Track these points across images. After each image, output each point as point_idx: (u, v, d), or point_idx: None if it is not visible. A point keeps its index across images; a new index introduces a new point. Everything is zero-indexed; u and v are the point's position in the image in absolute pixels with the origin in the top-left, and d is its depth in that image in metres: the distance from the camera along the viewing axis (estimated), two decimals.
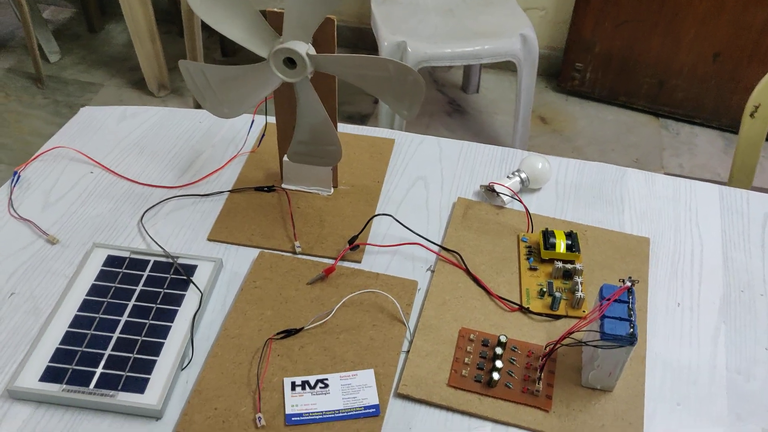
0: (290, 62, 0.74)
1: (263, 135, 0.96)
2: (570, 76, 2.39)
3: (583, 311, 0.77)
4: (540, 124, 2.33)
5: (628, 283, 0.68)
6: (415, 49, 1.81)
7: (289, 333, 0.73)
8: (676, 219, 0.89)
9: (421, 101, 0.75)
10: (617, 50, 2.27)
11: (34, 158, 0.93)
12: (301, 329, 0.74)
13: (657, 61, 2.25)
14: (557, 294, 0.76)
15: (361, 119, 2.30)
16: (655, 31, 2.19)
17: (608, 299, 0.67)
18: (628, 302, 0.67)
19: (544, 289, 0.78)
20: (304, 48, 0.73)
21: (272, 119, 0.97)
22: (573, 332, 0.68)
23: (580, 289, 0.77)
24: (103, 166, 0.93)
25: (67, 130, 0.98)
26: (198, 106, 2.24)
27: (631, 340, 0.64)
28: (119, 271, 0.79)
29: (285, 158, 0.88)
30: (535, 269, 0.81)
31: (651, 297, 0.80)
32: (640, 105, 2.37)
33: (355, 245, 0.82)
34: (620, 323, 0.65)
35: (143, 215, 0.86)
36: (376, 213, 0.88)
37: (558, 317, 0.77)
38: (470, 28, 1.91)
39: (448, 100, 2.39)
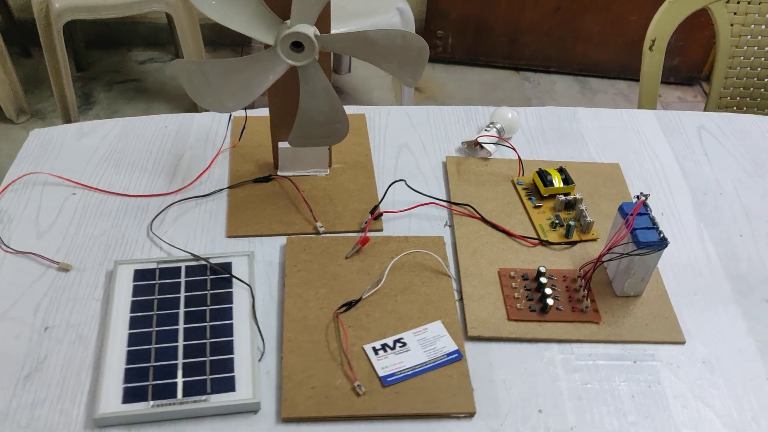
0: (296, 46, 0.76)
1: (243, 128, 0.96)
2: (433, 44, 2.51)
3: (593, 234, 0.86)
4: (415, 94, 2.43)
5: (642, 198, 0.77)
6: None
7: (350, 305, 0.76)
8: (631, 144, 1.01)
9: (425, 66, 0.79)
10: (471, 14, 2.42)
11: (4, 189, 0.87)
12: (360, 299, 0.76)
13: (507, 20, 2.43)
14: (571, 223, 0.85)
15: None
16: None
17: (632, 214, 0.76)
18: (648, 213, 0.76)
19: (555, 222, 0.86)
20: (311, 30, 0.75)
21: (252, 112, 0.97)
22: (612, 248, 0.76)
23: (587, 215, 0.85)
24: (84, 185, 0.88)
25: (25, 156, 0.92)
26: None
27: (663, 243, 0.74)
28: (154, 283, 0.77)
29: (282, 145, 0.88)
30: (539, 206, 0.89)
31: None
32: (499, 63, 2.55)
33: (378, 214, 0.85)
34: (649, 231, 0.75)
35: (151, 225, 0.84)
36: (377, 184, 0.91)
37: (574, 243, 0.85)
38: (346, 9, 1.95)
39: None
